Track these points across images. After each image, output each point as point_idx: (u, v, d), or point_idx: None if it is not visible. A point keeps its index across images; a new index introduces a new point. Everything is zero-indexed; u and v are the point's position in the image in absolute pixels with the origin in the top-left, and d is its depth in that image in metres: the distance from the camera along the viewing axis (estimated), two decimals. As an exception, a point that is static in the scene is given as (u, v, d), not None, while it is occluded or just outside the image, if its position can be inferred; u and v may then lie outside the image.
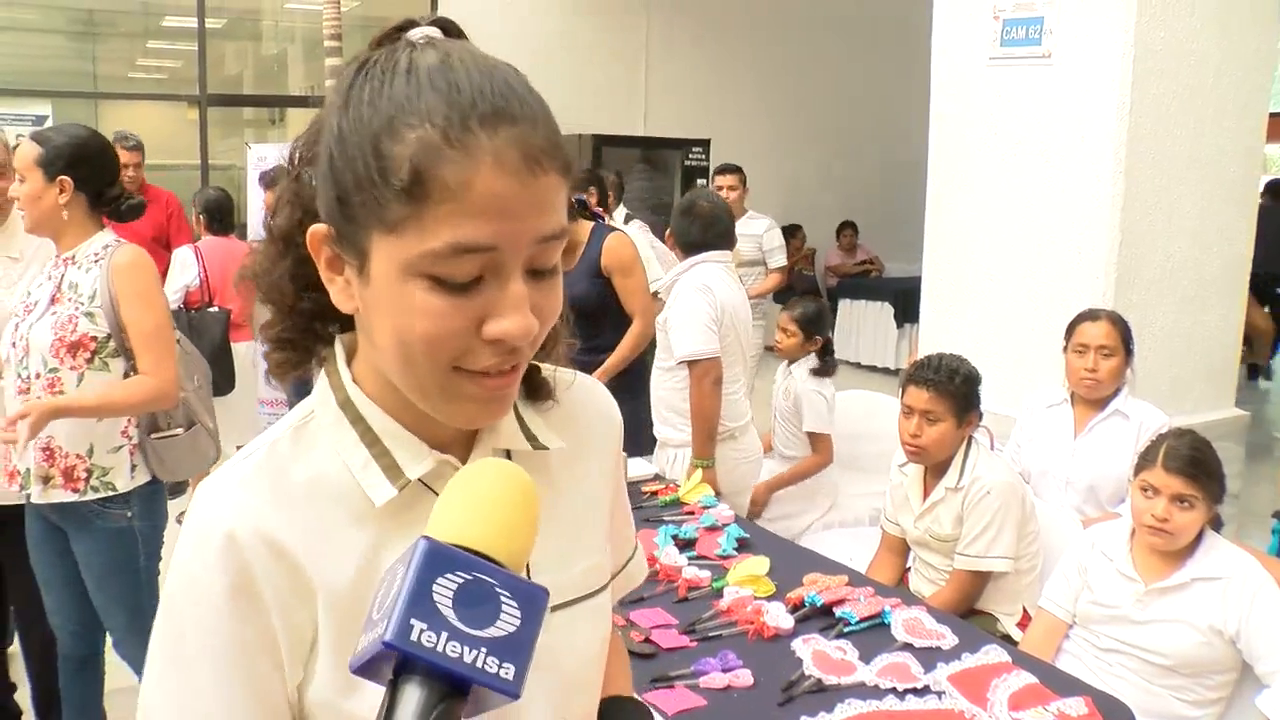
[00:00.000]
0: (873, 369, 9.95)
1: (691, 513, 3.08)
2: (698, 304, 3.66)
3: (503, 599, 0.70)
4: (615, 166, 9.08)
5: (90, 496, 2.69)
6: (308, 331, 0.95)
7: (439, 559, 0.69)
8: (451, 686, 0.68)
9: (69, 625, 2.91)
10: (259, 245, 0.95)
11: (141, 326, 2.67)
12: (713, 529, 2.92)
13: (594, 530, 1.06)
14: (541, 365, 1.01)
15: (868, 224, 11.39)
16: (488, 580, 0.70)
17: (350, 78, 0.84)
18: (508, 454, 0.96)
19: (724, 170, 6.45)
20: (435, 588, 0.68)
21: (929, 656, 2.28)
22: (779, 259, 6.83)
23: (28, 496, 2.70)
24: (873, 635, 2.39)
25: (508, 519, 0.75)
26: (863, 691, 2.13)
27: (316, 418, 0.93)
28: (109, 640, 2.94)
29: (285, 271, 0.92)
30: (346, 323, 0.93)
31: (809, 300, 4.70)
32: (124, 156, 5.79)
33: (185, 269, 5.43)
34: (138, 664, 2.89)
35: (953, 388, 3.05)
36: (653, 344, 4.12)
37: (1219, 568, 2.57)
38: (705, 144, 10.00)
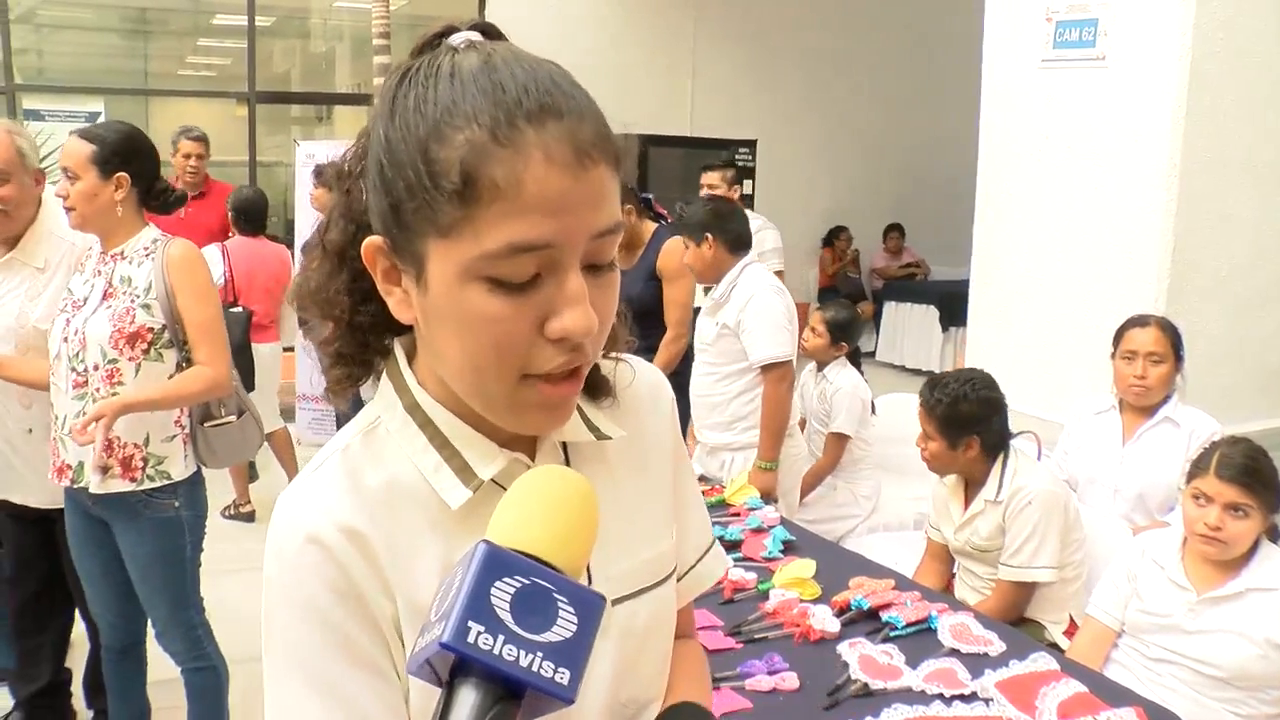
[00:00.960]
0: (917, 372, 9.87)
1: (737, 514, 3.07)
2: (775, 306, 3.63)
3: (560, 604, 0.70)
4: (662, 167, 9.09)
5: (146, 485, 2.72)
6: (366, 345, 0.94)
7: (497, 563, 0.70)
8: (506, 689, 0.68)
9: (108, 616, 2.95)
10: (312, 260, 0.94)
11: (197, 318, 2.72)
12: (758, 531, 2.91)
13: (657, 518, 1.05)
14: (599, 362, 1.00)
15: (914, 227, 11.32)
16: (545, 585, 0.70)
17: (394, 87, 0.84)
18: (564, 448, 0.97)
19: (711, 167, 5.85)
20: (493, 591, 0.68)
21: (976, 663, 2.26)
22: (776, 263, 6.49)
23: (80, 490, 2.72)
24: (919, 640, 2.37)
25: (567, 525, 0.75)
26: (909, 697, 2.11)
27: (383, 423, 0.92)
28: (151, 631, 2.97)
29: (341, 286, 0.91)
30: (401, 332, 0.94)
31: (845, 306, 4.70)
32: (189, 147, 5.91)
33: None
34: (179, 655, 2.93)
35: (940, 412, 3.05)
36: (690, 350, 4.10)
37: (1275, 578, 2.53)
38: (752, 144, 9.98)
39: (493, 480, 0.89)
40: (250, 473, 5.86)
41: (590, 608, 0.72)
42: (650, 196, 4.63)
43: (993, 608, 2.98)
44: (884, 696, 2.11)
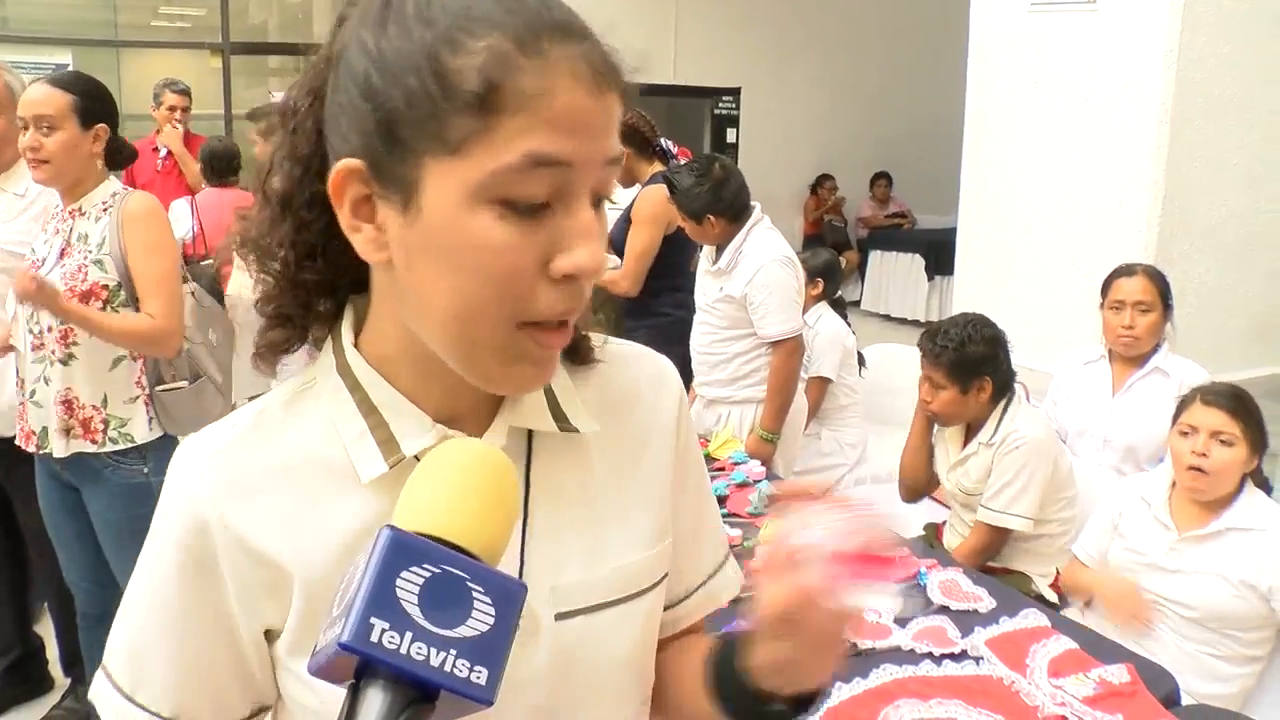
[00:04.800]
0: (903, 321, 9.84)
1: (722, 468, 3.03)
2: (786, 280, 3.53)
3: (475, 595, 0.64)
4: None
5: (109, 448, 2.65)
6: (307, 306, 0.86)
7: (403, 550, 0.63)
8: (419, 691, 0.62)
9: (83, 582, 2.89)
10: (251, 210, 0.86)
11: (147, 271, 2.61)
12: (743, 486, 2.87)
13: (640, 526, 0.93)
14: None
15: (901, 175, 11.24)
16: (458, 574, 0.64)
17: (370, 3, 0.77)
18: (530, 435, 0.88)
19: None
20: (399, 582, 0.62)
21: (966, 620, 2.22)
22: None
23: (48, 455, 2.66)
24: (908, 597, 2.33)
25: (481, 504, 0.69)
26: (898, 656, 2.08)
27: (316, 385, 0.86)
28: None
29: (285, 237, 0.83)
30: (339, 294, 0.87)
31: (825, 251, 4.66)
32: (173, 100, 5.87)
33: (179, 222, 5.36)
34: None
35: (948, 358, 2.99)
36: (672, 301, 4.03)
37: (1255, 519, 2.53)
38: (735, 93, 9.89)
39: (417, 457, 0.82)
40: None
41: (509, 597, 0.66)
42: (667, 143, 4.51)
43: (966, 550, 2.98)
44: (872, 657, 2.07)
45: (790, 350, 3.54)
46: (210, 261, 5.13)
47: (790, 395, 3.60)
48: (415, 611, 0.62)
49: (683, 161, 4.03)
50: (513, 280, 0.73)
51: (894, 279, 10.24)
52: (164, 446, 2.75)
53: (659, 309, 4.18)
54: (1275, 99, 4.44)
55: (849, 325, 4.51)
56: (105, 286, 2.59)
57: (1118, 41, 4.24)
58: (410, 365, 0.83)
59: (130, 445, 2.68)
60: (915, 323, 9.51)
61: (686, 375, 3.88)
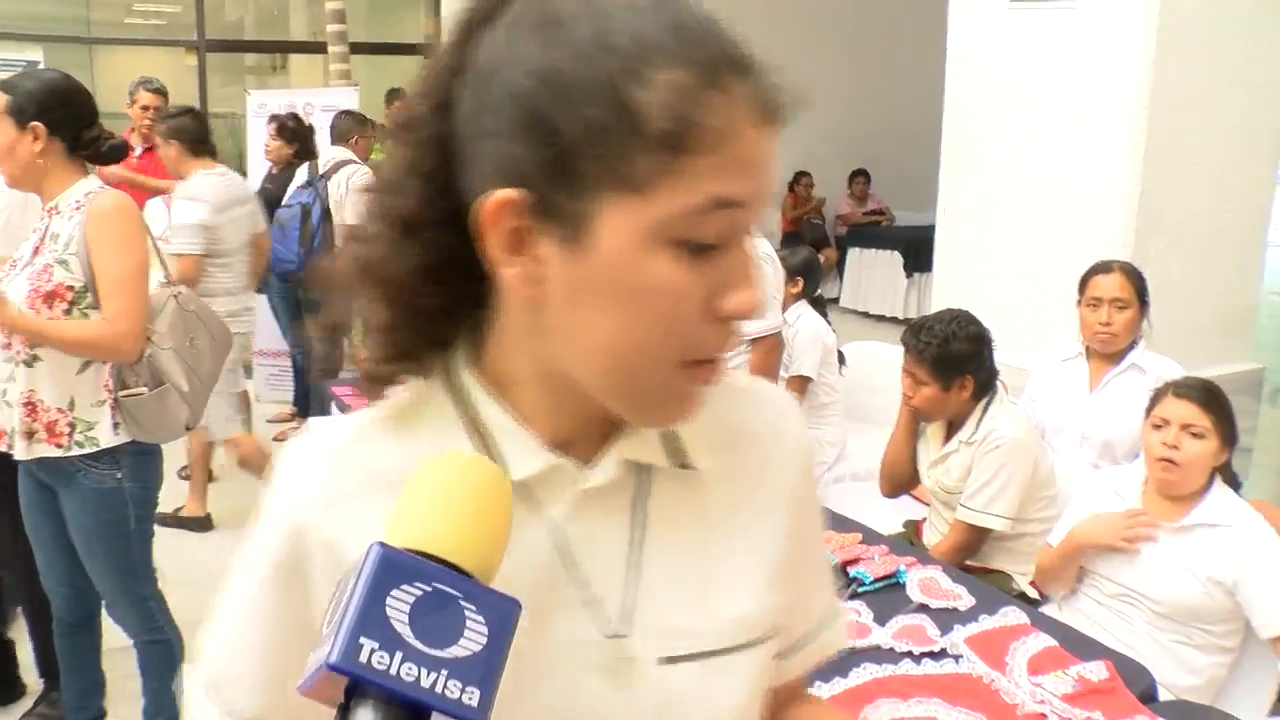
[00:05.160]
0: (881, 318, 9.87)
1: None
2: (765, 276, 3.53)
3: (467, 613, 0.63)
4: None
5: (75, 452, 2.60)
6: (425, 334, 0.80)
7: (394, 567, 0.62)
8: (409, 713, 0.61)
9: (60, 588, 2.85)
10: (363, 229, 0.79)
11: (108, 271, 2.53)
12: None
13: (751, 574, 0.87)
14: None
15: (880, 172, 11.25)
16: (449, 592, 0.63)
17: (536, 11, 0.72)
18: (644, 470, 0.84)
19: None
20: (389, 601, 0.61)
21: (946, 618, 2.23)
22: None
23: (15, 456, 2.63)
24: (887, 596, 2.34)
25: (474, 519, 0.67)
26: (878, 655, 2.08)
27: (421, 402, 0.82)
28: (104, 603, 2.89)
29: (411, 263, 0.76)
30: (459, 320, 0.82)
31: (804, 250, 4.66)
32: (147, 99, 5.78)
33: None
34: (130, 628, 2.86)
35: (931, 354, 2.98)
36: None
37: (1223, 516, 2.55)
38: (712, 91, 9.86)
39: (523, 484, 0.78)
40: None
41: (502, 616, 0.64)
42: None
43: (945, 549, 2.99)
44: (852, 656, 2.06)
45: (769, 348, 3.54)
46: None
47: None
48: (406, 631, 0.61)
49: None
50: (682, 321, 0.71)
51: (873, 276, 10.26)
52: (137, 452, 2.70)
53: None
54: (1247, 97, 4.47)
55: (829, 323, 4.51)
56: (70, 287, 2.53)
57: (1096, 39, 4.25)
58: (530, 391, 0.80)
59: (97, 449, 2.62)
60: (894, 320, 9.53)
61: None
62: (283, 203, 5.78)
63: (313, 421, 0.88)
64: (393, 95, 8.93)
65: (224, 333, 2.94)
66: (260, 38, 12.01)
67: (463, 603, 0.63)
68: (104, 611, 2.93)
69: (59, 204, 2.59)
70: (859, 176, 11.29)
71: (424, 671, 0.60)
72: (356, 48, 8.74)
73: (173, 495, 4.65)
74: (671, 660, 0.82)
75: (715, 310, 0.72)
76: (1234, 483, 2.67)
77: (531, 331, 0.76)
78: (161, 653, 2.88)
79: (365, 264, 0.77)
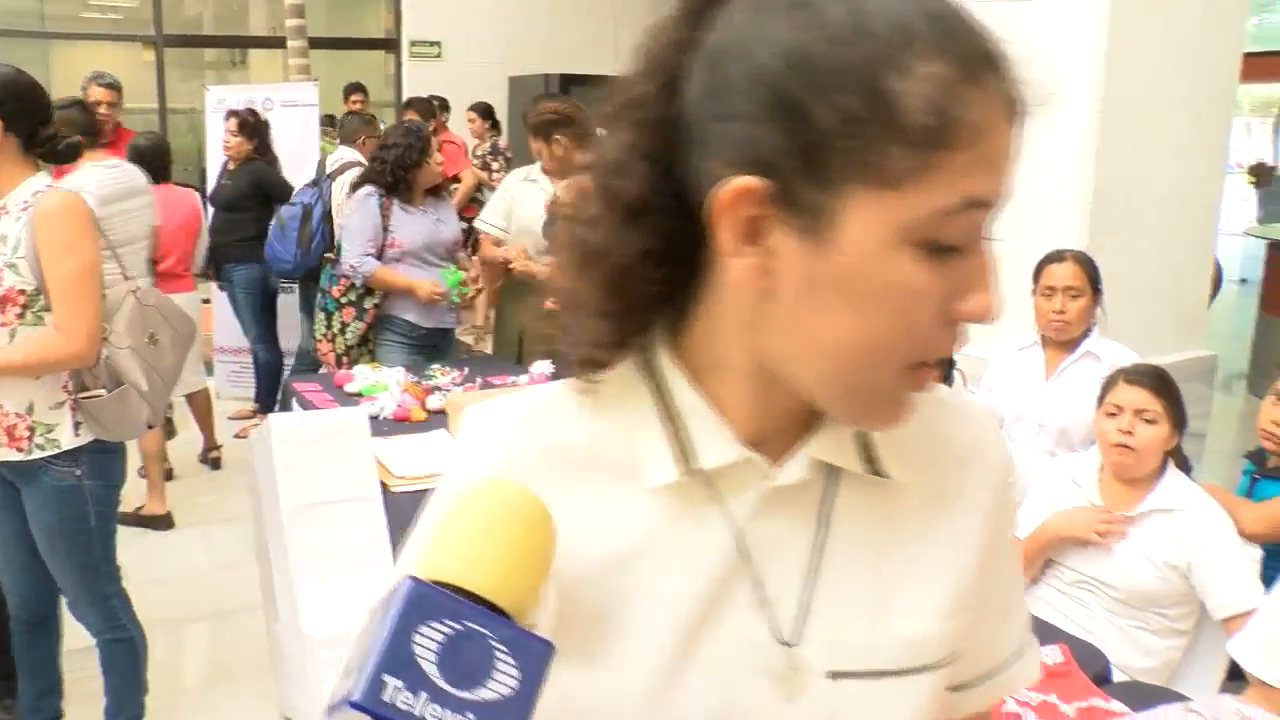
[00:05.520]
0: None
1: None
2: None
3: (498, 655, 0.61)
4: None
5: (36, 455, 2.57)
6: (641, 320, 0.77)
7: (424, 604, 0.60)
8: None
9: (18, 586, 2.82)
10: (580, 209, 0.76)
11: (55, 274, 2.47)
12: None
13: (933, 594, 0.82)
14: None
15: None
16: (479, 631, 0.61)
17: None
18: (836, 470, 0.80)
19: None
20: (417, 638, 0.59)
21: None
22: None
23: None
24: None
25: (512, 555, 0.65)
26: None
27: (611, 380, 0.79)
28: (65, 601, 2.87)
29: (637, 249, 0.73)
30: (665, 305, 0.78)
31: None
32: (99, 94, 5.66)
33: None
34: (93, 626, 2.84)
35: None
36: None
37: (1176, 500, 2.60)
38: (674, 84, 9.88)
39: (709, 480, 0.76)
40: (168, 429, 5.71)
41: (534, 658, 0.62)
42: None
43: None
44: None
45: None
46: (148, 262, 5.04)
47: None
48: (433, 670, 0.59)
49: None
50: (918, 324, 0.68)
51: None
52: (97, 450, 2.68)
53: None
54: (1199, 89, 4.53)
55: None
56: (22, 291, 2.48)
57: (1049, 32, 4.30)
58: (731, 381, 0.76)
59: (58, 451, 2.60)
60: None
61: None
62: (289, 200, 5.74)
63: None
64: (352, 90, 8.90)
65: (187, 325, 2.92)
66: (219, 33, 11.91)
67: (494, 643, 0.61)
68: (64, 611, 2.91)
69: (8, 204, 2.52)
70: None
71: (449, 713, 0.58)
72: (316, 42, 8.69)
73: (136, 494, 4.63)
74: (839, 675, 0.78)
75: (950, 313, 0.69)
76: (1185, 466, 2.72)
77: (749, 322, 0.73)
78: (124, 650, 2.87)
79: (589, 248, 0.74)
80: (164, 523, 4.94)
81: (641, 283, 0.74)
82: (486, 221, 4.79)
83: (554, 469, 0.77)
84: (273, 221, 5.62)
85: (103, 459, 2.71)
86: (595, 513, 0.77)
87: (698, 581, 0.75)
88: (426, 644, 0.59)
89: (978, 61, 0.66)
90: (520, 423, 0.81)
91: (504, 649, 0.61)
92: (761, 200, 0.67)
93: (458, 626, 0.60)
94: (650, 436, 0.77)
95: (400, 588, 0.61)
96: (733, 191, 0.67)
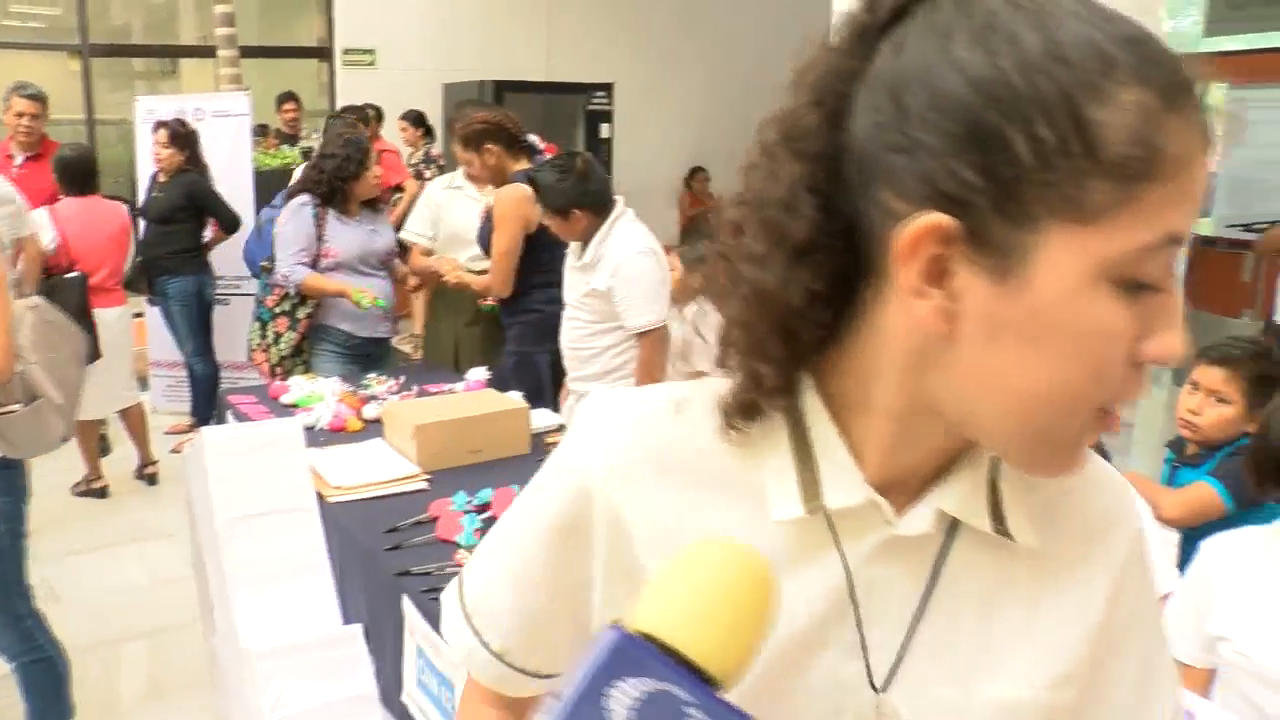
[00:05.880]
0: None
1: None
2: (649, 270, 3.55)
3: None
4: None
5: None
6: (799, 360, 0.73)
7: (625, 659, 0.58)
8: None
9: None
10: (744, 253, 0.71)
11: None
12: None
13: (1034, 662, 0.78)
14: None
15: (775, 166, 11.41)
16: (681, 696, 0.57)
17: (964, 14, 0.64)
18: (956, 524, 0.78)
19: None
20: (612, 693, 0.57)
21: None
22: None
23: None
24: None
25: (733, 621, 0.61)
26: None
27: (693, 403, 0.79)
28: None
29: (806, 290, 0.69)
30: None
31: (703, 244, 4.71)
32: (22, 105, 5.61)
33: (41, 230, 5.16)
34: (8, 650, 2.79)
35: None
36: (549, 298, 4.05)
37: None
38: (608, 88, 9.91)
39: (829, 519, 0.75)
40: (102, 445, 5.64)
41: None
42: (533, 138, 4.54)
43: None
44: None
45: (656, 340, 3.59)
46: (76, 275, 4.97)
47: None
48: None
49: (546, 158, 4.06)
50: (1112, 366, 0.64)
51: (771, 269, 10.41)
52: (5, 465, 2.64)
53: (530, 306, 4.22)
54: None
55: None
56: None
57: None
58: (874, 421, 0.74)
59: None
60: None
61: (560, 371, 3.92)
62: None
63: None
64: (284, 98, 8.83)
65: (79, 340, 2.89)
66: (148, 42, 11.73)
67: (692, 711, 0.58)
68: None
69: None
70: (756, 170, 11.43)
71: None
72: (247, 51, 8.61)
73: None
74: None
75: (1138, 354, 0.65)
76: (1104, 455, 2.78)
77: (918, 364, 0.69)
78: (44, 671, 2.82)
79: (760, 288, 0.70)
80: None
81: (810, 325, 0.71)
82: (412, 231, 4.80)
83: (672, 479, 0.77)
84: (252, 224, 5.57)
85: (7, 474, 2.67)
86: (706, 531, 0.75)
87: (801, 618, 0.74)
88: (622, 699, 0.57)
89: (1178, 89, 0.62)
90: (641, 424, 0.79)
91: (703, 718, 0.58)
92: (950, 238, 0.64)
93: (657, 687, 0.58)
94: (780, 467, 0.75)
95: (604, 637, 0.59)
96: (920, 230, 0.64)
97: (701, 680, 0.59)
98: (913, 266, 0.65)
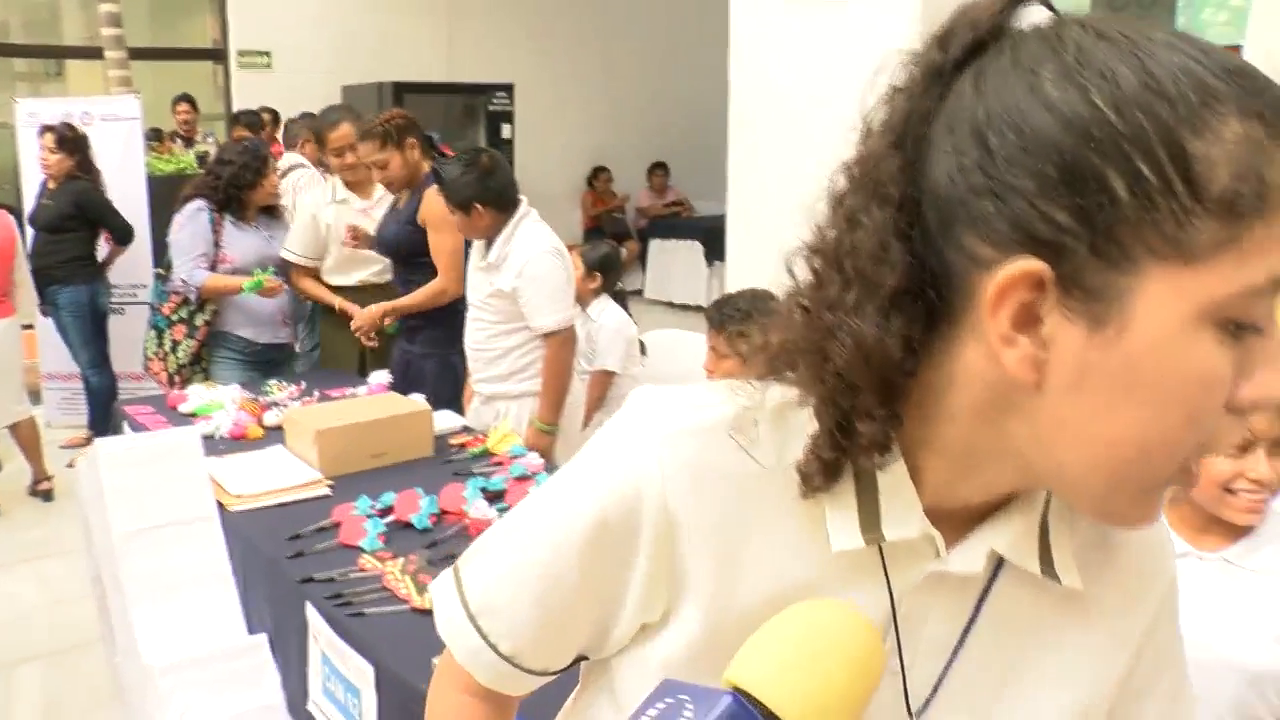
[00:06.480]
0: (685, 308, 10.08)
1: (500, 463, 3.07)
2: (554, 271, 3.55)
3: None
4: (417, 115, 8.90)
5: None
6: (887, 415, 0.69)
7: None
8: None
9: None
10: (840, 301, 0.68)
11: None
12: (523, 479, 2.92)
13: (1064, 701, 0.80)
14: None
15: (678, 165, 11.48)
16: None
17: (1050, 50, 0.62)
18: (1000, 561, 0.77)
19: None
20: None
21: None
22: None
23: None
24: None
25: (844, 693, 0.61)
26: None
27: (758, 417, 0.76)
28: None
29: (901, 343, 0.66)
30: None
31: (604, 244, 4.76)
32: None
33: None
34: None
35: (733, 326, 3.11)
36: (463, 299, 4.01)
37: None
38: (509, 89, 9.89)
39: (881, 546, 0.73)
40: (-9, 463, 5.48)
41: None
42: (434, 135, 4.47)
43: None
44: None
45: (562, 341, 3.59)
46: None
47: (565, 386, 3.65)
48: None
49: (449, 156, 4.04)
50: (1211, 415, 0.61)
51: (674, 267, 10.50)
52: None
53: (452, 307, 4.16)
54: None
55: (630, 316, 4.62)
56: None
57: (863, 35, 4.47)
58: (937, 460, 0.72)
59: None
60: (697, 309, 9.73)
61: (464, 371, 3.91)
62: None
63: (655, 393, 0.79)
64: (178, 100, 8.65)
65: None
66: (30, 41, 11.38)
67: None
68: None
69: None
70: (657, 169, 11.52)
71: None
72: (137, 53, 8.42)
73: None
74: None
75: (1237, 400, 0.62)
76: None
77: (996, 410, 0.67)
78: None
79: (860, 342, 0.66)
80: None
81: (906, 376, 0.68)
82: (295, 252, 4.48)
83: (732, 490, 0.75)
84: (147, 233, 5.43)
85: None
86: (766, 553, 0.75)
87: None
88: None
89: (1273, 114, 0.59)
90: (701, 430, 0.76)
91: None
92: (1042, 284, 0.61)
93: None
94: (842, 499, 0.73)
95: (720, 701, 0.58)
96: (1012, 277, 0.61)
97: None
98: (1002, 314, 0.62)
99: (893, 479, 0.72)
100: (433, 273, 4.11)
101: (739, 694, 0.59)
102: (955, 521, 0.74)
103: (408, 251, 4.14)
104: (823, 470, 0.71)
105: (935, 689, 0.77)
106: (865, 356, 0.66)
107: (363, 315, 4.16)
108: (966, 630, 0.77)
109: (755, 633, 0.65)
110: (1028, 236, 0.60)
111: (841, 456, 0.70)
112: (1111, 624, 0.81)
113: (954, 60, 0.66)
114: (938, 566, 0.74)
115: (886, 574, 0.74)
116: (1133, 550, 0.82)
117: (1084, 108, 0.59)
